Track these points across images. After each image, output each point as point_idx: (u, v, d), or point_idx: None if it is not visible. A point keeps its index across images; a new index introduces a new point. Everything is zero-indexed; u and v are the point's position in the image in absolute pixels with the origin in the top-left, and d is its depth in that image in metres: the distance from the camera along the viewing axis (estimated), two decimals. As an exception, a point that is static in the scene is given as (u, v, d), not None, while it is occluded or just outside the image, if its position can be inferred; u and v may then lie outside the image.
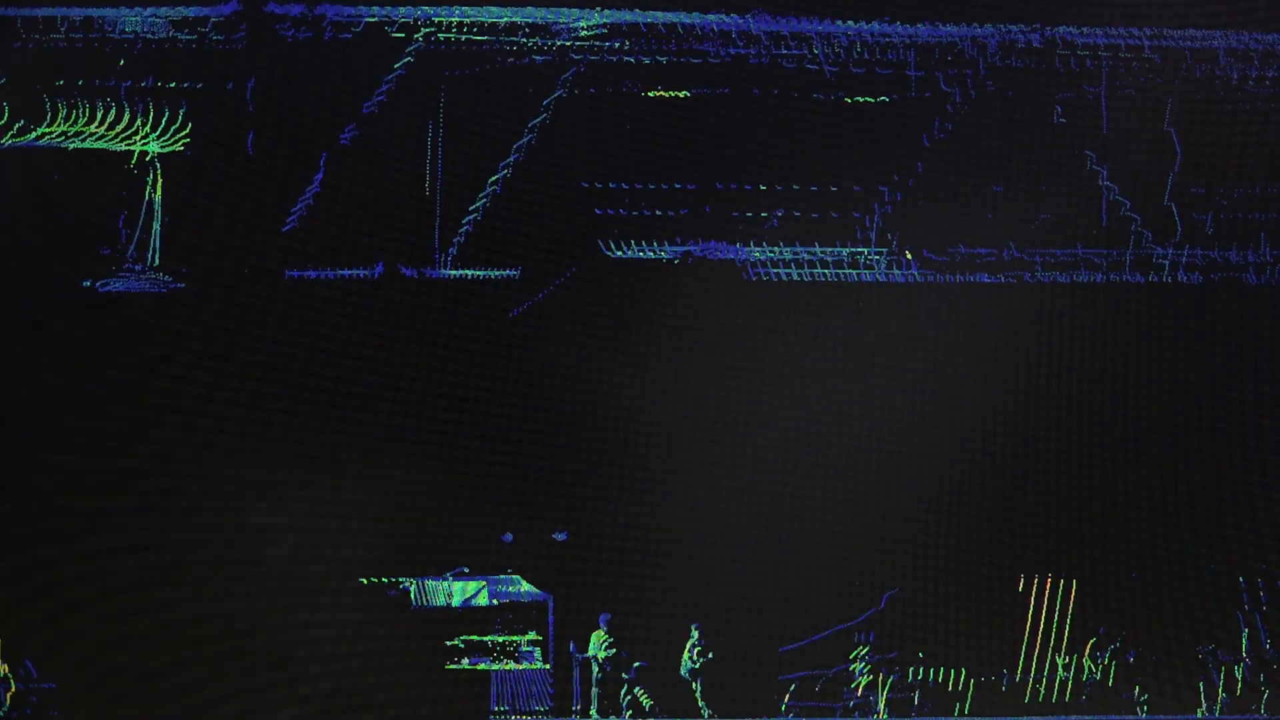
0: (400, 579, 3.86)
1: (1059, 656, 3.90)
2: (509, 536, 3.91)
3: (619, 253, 4.01)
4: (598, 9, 4.04)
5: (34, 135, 3.96)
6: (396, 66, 4.00)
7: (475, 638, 3.88)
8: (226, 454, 3.84)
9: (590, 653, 3.90)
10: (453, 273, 3.99)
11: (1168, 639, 3.90)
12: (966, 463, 3.94)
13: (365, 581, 3.84)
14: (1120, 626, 3.91)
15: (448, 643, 3.87)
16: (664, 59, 4.05)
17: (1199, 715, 3.88)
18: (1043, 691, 3.90)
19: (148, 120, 3.97)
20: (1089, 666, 3.91)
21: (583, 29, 4.05)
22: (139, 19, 3.99)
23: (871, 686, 3.90)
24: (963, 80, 4.06)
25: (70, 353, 3.88)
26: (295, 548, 3.83)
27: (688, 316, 3.98)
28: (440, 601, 3.88)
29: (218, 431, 3.84)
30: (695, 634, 3.87)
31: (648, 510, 3.91)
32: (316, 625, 3.81)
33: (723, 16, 4.06)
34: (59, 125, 3.97)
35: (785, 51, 4.07)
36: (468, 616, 3.89)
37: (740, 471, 3.93)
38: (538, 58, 4.04)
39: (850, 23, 4.07)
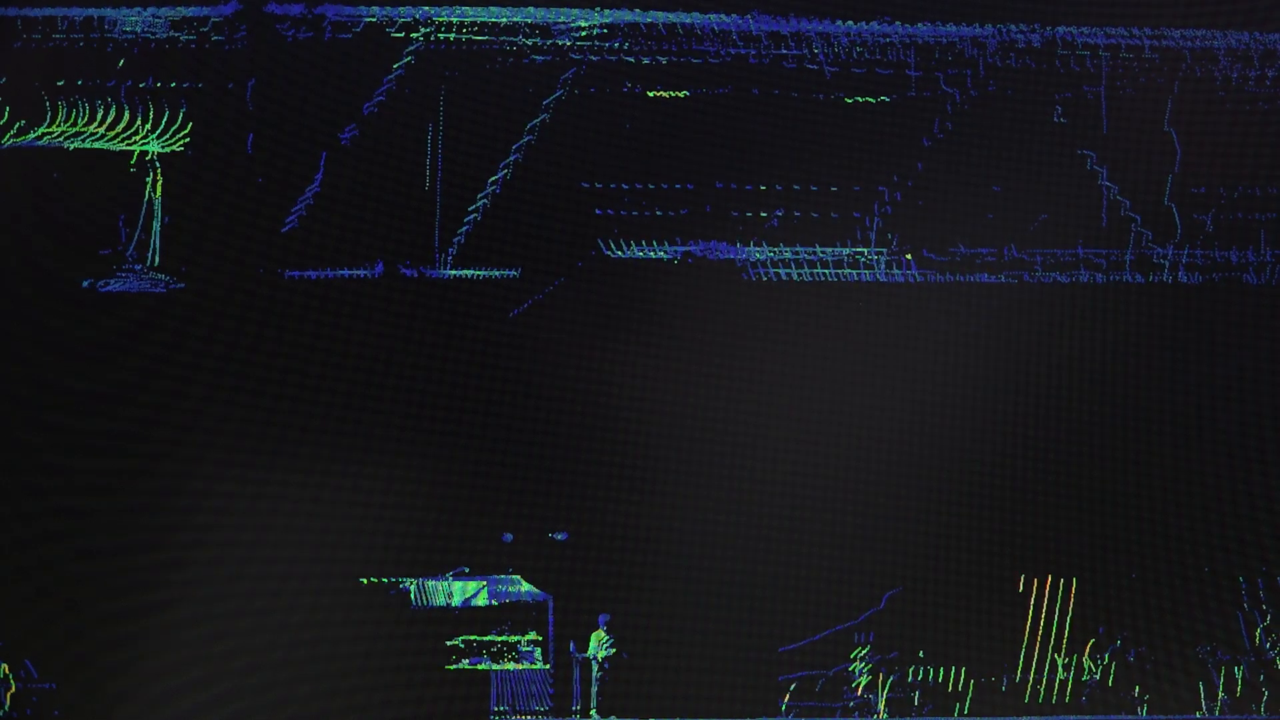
0: (400, 579, 3.86)
1: (1059, 656, 3.90)
2: (509, 536, 3.91)
3: (619, 253, 4.01)
4: (598, 9, 4.04)
5: (34, 135, 3.95)
6: (396, 66, 4.00)
7: (475, 638, 3.89)
8: (226, 454, 3.84)
9: (590, 653, 3.91)
10: (453, 273, 3.99)
11: (1168, 639, 3.90)
12: (967, 462, 3.94)
13: (365, 581, 3.84)
14: (1120, 626, 3.91)
15: (448, 643, 3.87)
16: (664, 59, 4.05)
17: (1199, 715, 3.89)
18: (1043, 691, 3.90)
19: (148, 120, 3.97)
20: (1089, 666, 3.91)
21: (583, 29, 4.05)
22: (139, 19, 3.99)
23: (871, 686, 3.90)
24: (963, 80, 4.06)
25: (70, 353, 3.88)
26: (295, 548, 3.83)
27: (688, 316, 3.98)
28: (440, 601, 3.88)
29: (217, 431, 3.84)
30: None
31: (648, 510, 3.91)
32: (316, 625, 3.81)
33: (723, 16, 4.06)
34: (59, 125, 3.96)
35: (785, 51, 4.07)
36: (468, 616, 3.89)
37: (740, 471, 3.93)
38: (538, 58, 4.03)
39: (850, 23, 4.08)
